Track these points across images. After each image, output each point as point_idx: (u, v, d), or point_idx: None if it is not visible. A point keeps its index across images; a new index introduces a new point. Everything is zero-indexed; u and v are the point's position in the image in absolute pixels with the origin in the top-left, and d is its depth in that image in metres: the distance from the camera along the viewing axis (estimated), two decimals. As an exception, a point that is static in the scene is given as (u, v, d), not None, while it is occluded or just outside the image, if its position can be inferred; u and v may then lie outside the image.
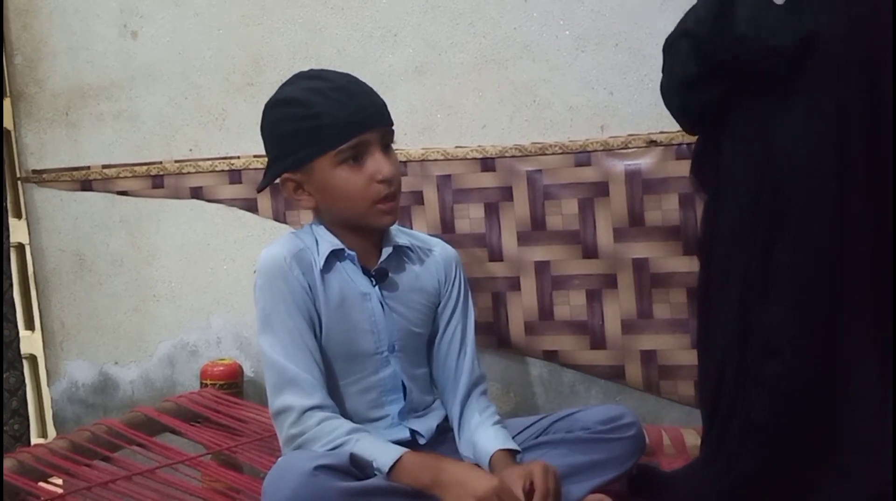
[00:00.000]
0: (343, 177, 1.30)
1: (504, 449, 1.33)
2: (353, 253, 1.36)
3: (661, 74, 1.77)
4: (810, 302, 1.23)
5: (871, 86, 1.21)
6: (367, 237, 1.38)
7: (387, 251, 1.38)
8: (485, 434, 1.37)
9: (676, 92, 1.35)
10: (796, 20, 1.21)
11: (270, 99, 1.36)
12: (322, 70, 1.37)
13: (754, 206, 1.26)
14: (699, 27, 1.29)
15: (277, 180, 1.38)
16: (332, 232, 1.37)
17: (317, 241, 1.37)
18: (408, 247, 1.43)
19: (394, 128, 1.35)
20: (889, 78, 1.19)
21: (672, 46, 1.36)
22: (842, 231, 1.21)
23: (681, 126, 1.44)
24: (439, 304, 1.46)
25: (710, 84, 1.30)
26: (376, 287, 1.37)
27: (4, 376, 2.14)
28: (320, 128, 1.28)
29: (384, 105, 1.34)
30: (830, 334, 1.22)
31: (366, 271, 1.37)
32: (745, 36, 1.22)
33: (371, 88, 1.34)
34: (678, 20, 1.74)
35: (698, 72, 1.30)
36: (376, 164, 1.30)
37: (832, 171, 1.22)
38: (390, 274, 1.39)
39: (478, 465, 1.31)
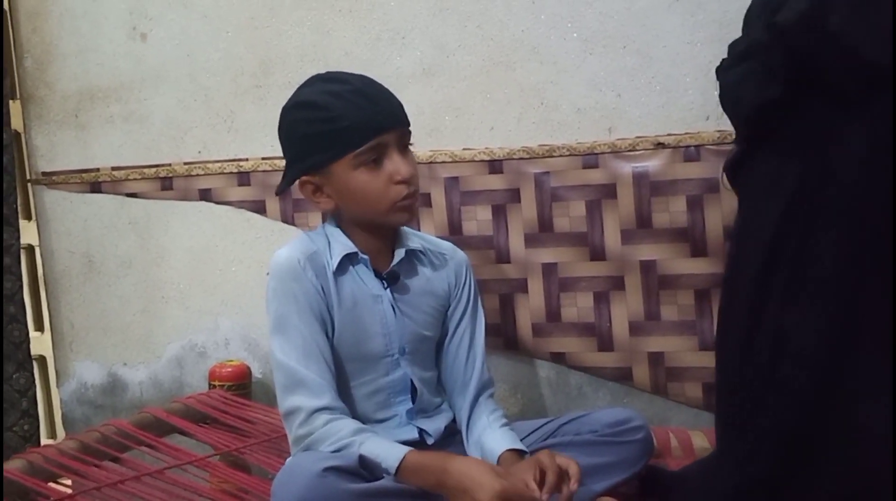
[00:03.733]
0: (362, 179, 1.31)
1: (512, 450, 1.34)
2: (365, 257, 1.37)
3: (668, 76, 1.79)
4: (837, 313, 1.21)
5: None
6: (381, 239, 1.39)
7: (399, 254, 1.38)
8: (493, 436, 1.38)
9: (740, 98, 1.27)
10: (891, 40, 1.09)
11: (288, 102, 1.36)
12: (339, 73, 1.38)
13: (800, 215, 1.23)
14: (787, 15, 1.18)
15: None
16: (345, 234, 1.38)
17: (329, 243, 1.37)
18: (419, 250, 1.43)
19: (410, 128, 1.36)
20: None
21: (753, 54, 1.26)
22: (883, 244, 1.18)
23: (740, 132, 1.37)
24: (449, 307, 1.46)
25: (777, 83, 1.20)
26: (388, 290, 1.38)
27: (14, 376, 2.15)
28: (339, 131, 1.29)
29: (401, 106, 1.34)
30: (851, 340, 1.20)
31: (378, 274, 1.38)
32: (837, 33, 1.12)
33: (387, 90, 1.34)
34: (686, 23, 1.76)
35: (769, 70, 1.21)
36: (395, 165, 1.31)
37: (883, 185, 1.16)
38: (402, 277, 1.39)
39: (485, 461, 1.31)
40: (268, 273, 1.35)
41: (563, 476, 1.21)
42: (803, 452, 1.22)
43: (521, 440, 1.39)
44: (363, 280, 1.37)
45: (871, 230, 1.18)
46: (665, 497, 1.40)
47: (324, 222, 1.43)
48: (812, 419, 1.21)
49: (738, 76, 1.30)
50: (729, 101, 1.34)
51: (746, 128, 1.33)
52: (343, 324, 1.35)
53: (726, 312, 1.37)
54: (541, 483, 1.20)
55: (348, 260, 1.37)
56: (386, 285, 1.38)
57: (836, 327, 1.20)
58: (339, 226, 1.39)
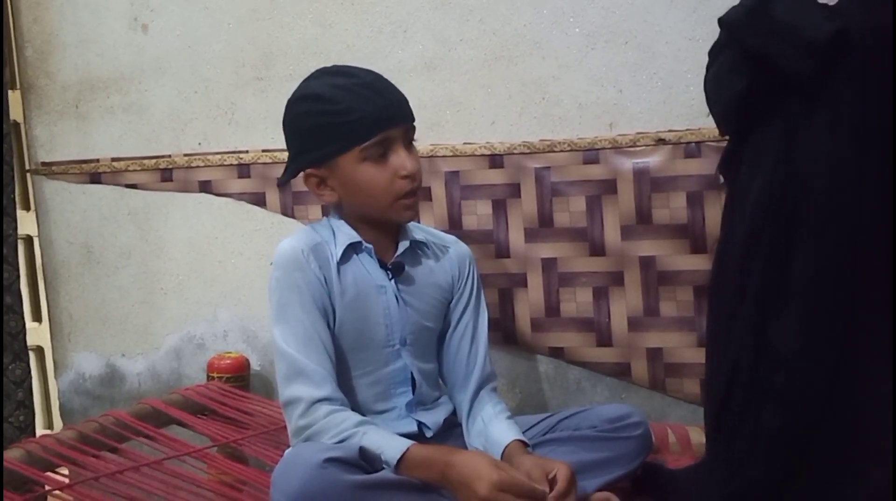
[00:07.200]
0: (368, 173, 1.31)
1: (518, 440, 1.34)
2: (369, 246, 1.37)
3: (670, 72, 1.79)
4: (821, 315, 1.21)
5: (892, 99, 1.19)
6: (385, 231, 1.39)
7: (403, 246, 1.39)
8: (499, 427, 1.38)
9: (719, 96, 1.34)
10: (832, 20, 1.19)
11: (294, 94, 1.36)
12: (345, 66, 1.38)
13: (771, 216, 1.25)
14: (736, 11, 1.28)
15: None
16: (350, 225, 1.38)
17: (334, 234, 1.38)
18: (423, 242, 1.43)
19: (415, 124, 1.36)
20: None
21: (722, 50, 1.34)
22: (858, 244, 1.20)
23: (718, 130, 1.43)
24: (452, 299, 1.46)
25: (740, 77, 1.27)
26: (392, 280, 1.38)
27: (10, 367, 2.15)
28: (346, 124, 1.28)
29: (407, 101, 1.35)
30: (842, 345, 1.21)
31: (382, 264, 1.38)
32: (781, 22, 1.21)
33: (393, 85, 1.34)
34: (688, 18, 1.77)
35: (732, 65, 1.28)
36: (400, 160, 1.31)
37: (851, 183, 1.19)
38: (406, 268, 1.39)
39: (486, 454, 1.31)
40: (271, 264, 1.35)
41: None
42: (798, 456, 1.22)
43: (521, 434, 1.40)
44: (367, 270, 1.37)
45: (844, 234, 1.20)
46: (660, 496, 1.40)
47: (326, 215, 1.43)
48: (803, 423, 1.22)
49: (711, 75, 1.36)
50: (708, 99, 1.38)
51: (724, 125, 1.38)
52: (345, 314, 1.35)
53: (711, 315, 1.38)
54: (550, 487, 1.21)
55: (352, 250, 1.37)
56: (391, 276, 1.38)
57: (818, 331, 1.21)
58: (342, 218, 1.39)
